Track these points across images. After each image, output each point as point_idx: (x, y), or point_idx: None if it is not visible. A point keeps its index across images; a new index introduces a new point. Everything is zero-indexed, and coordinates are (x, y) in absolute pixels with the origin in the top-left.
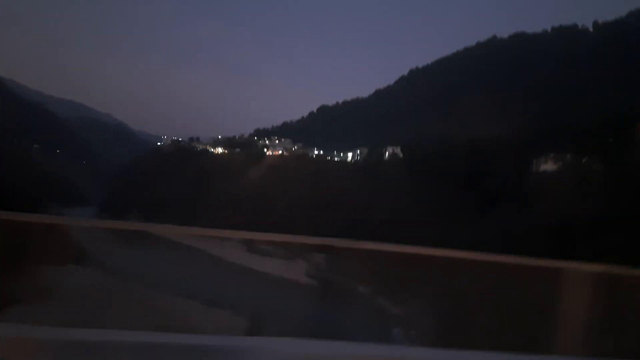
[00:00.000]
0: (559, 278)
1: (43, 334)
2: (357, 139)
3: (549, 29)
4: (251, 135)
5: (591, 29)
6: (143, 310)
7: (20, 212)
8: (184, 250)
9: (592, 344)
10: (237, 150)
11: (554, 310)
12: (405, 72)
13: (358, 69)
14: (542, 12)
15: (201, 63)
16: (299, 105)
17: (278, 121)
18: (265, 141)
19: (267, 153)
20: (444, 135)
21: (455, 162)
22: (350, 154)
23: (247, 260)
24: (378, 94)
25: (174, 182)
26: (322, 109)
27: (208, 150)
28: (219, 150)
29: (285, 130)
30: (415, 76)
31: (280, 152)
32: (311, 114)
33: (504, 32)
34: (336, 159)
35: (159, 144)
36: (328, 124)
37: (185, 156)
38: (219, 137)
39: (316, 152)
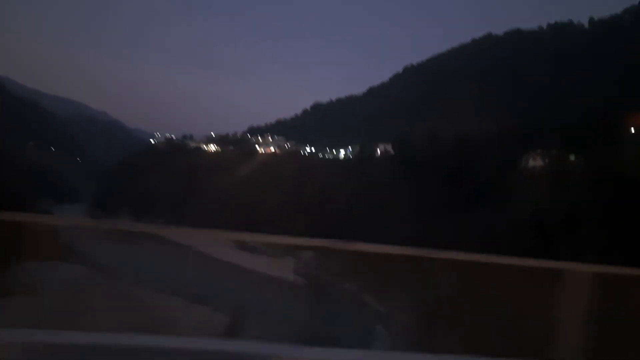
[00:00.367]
0: (545, 277)
1: (29, 337)
2: (351, 136)
3: (545, 26)
4: (245, 133)
5: (587, 26)
6: (127, 307)
7: (13, 209)
8: (173, 248)
9: (577, 346)
10: (230, 147)
11: (537, 311)
12: (399, 69)
13: (352, 66)
14: (538, 9)
15: (196, 61)
16: (293, 103)
17: (272, 119)
18: (258, 139)
19: (259, 151)
20: (435, 132)
21: (444, 159)
22: (342, 151)
23: (233, 257)
24: (372, 91)
25: (165, 179)
26: (316, 107)
27: (201, 148)
28: (212, 147)
29: (279, 128)
30: (410, 73)
31: (272, 149)
32: (305, 111)
33: (499, 29)
34: (329, 156)
35: (151, 141)
36: (322, 121)
37: (178, 153)
38: (213, 134)
39: (310, 149)
